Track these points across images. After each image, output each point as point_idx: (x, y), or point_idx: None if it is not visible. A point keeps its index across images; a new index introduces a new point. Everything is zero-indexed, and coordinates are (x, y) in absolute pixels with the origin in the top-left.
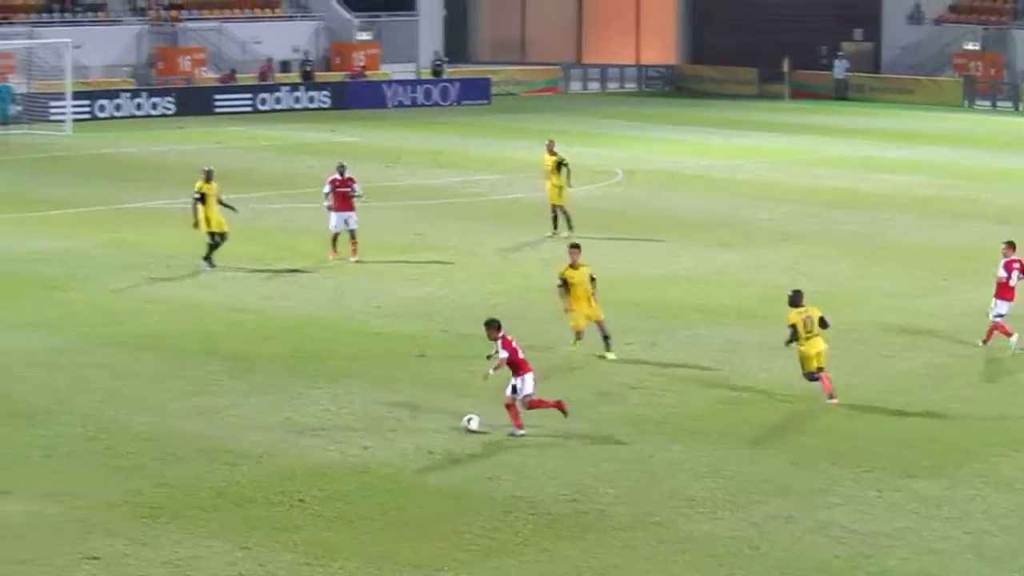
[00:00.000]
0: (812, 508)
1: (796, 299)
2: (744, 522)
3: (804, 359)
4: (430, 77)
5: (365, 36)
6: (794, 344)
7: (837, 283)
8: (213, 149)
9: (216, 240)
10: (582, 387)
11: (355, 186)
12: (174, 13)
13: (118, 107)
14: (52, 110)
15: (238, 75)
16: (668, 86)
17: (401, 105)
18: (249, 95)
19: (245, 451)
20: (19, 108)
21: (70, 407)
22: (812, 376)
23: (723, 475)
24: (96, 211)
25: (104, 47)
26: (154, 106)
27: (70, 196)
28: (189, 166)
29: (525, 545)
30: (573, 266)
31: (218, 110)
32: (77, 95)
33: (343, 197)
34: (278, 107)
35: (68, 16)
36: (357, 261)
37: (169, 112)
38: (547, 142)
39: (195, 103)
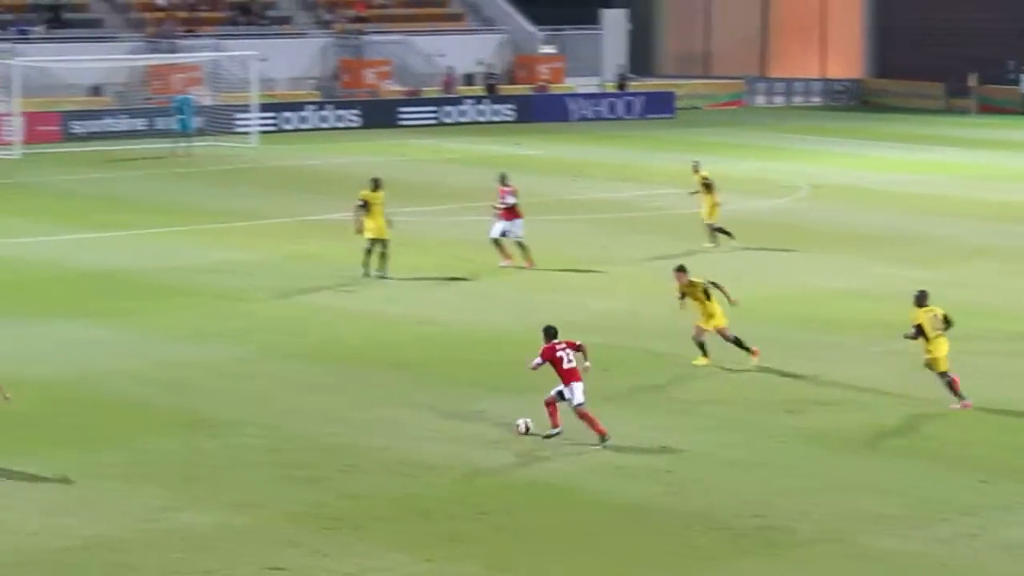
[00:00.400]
0: (999, 526)
1: (922, 299)
2: (929, 539)
3: (934, 360)
4: (614, 91)
5: (549, 49)
6: (922, 344)
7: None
8: (397, 162)
9: (374, 247)
10: (765, 401)
11: (507, 197)
12: (359, 26)
13: (303, 119)
14: (238, 122)
15: (422, 88)
16: (853, 100)
17: (585, 119)
18: (433, 108)
19: (427, 463)
20: (199, 120)
21: (254, 418)
22: (944, 376)
23: (908, 491)
24: (280, 223)
25: (290, 60)
26: (339, 118)
27: (255, 208)
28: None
29: (706, 561)
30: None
31: (402, 123)
32: (263, 107)
33: (509, 207)
34: (462, 120)
35: (254, 29)
36: (532, 268)
37: (354, 125)
38: (693, 162)
39: (380, 116)
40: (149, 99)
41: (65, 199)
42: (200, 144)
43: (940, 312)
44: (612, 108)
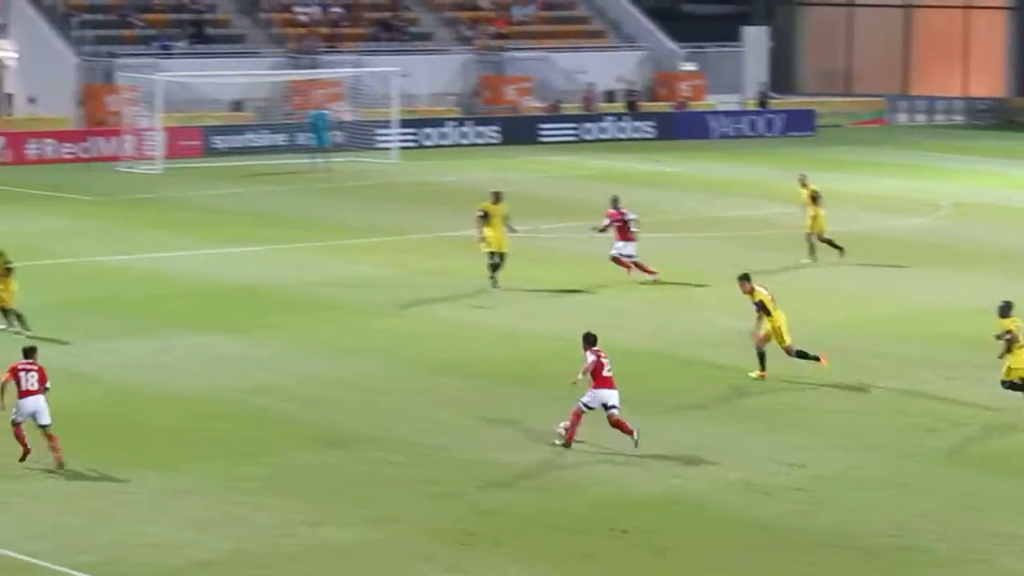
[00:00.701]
0: None
1: (1006, 310)
2: None
3: (1010, 369)
4: (755, 108)
5: (690, 67)
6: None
7: None
8: (537, 178)
9: (496, 260)
10: (901, 421)
11: (628, 216)
12: (500, 43)
13: (443, 136)
14: (378, 138)
15: (562, 105)
16: (996, 119)
17: (725, 136)
18: (573, 125)
19: (563, 480)
20: (337, 135)
21: (392, 433)
22: (1012, 385)
23: None
24: (420, 239)
25: (431, 76)
26: (479, 135)
27: (394, 223)
28: (515, 195)
29: None
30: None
31: (542, 139)
32: (403, 123)
33: (623, 229)
34: (602, 137)
35: (395, 45)
36: (656, 280)
37: (494, 141)
38: (799, 175)
39: (520, 132)
40: (290, 114)
41: (206, 214)
42: (340, 160)
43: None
44: (753, 126)
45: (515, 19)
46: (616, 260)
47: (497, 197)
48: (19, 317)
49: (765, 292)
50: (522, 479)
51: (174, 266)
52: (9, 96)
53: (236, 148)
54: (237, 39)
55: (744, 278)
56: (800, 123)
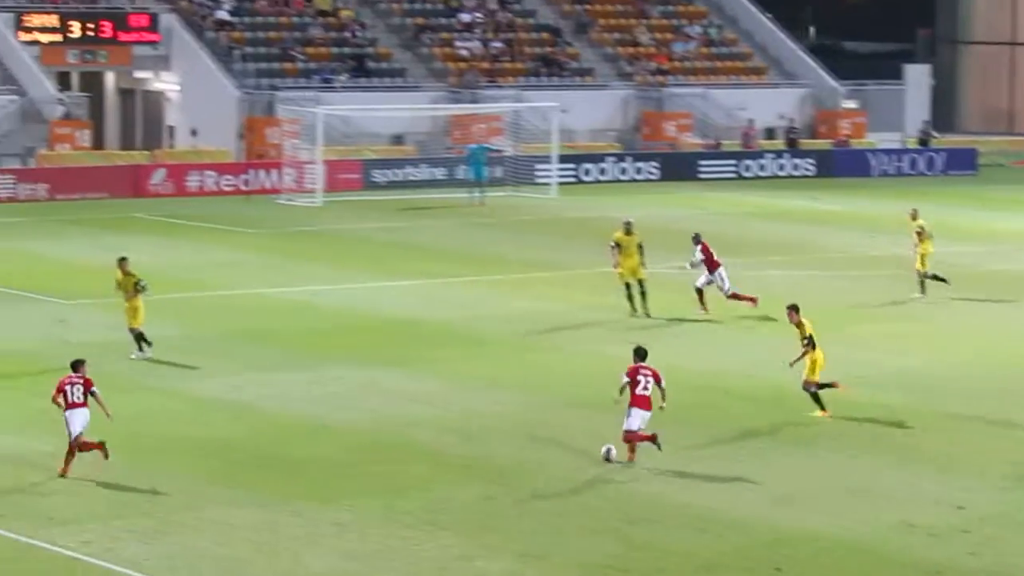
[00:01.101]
0: None
1: None
2: None
3: None
4: (916, 146)
5: (851, 104)
6: None
7: None
8: (696, 215)
9: (631, 289)
10: None
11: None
12: (661, 79)
13: (603, 171)
14: (538, 173)
15: (722, 141)
16: None
17: (885, 174)
18: (733, 161)
19: (719, 516)
20: (496, 170)
21: (548, 466)
22: None
23: None
24: (578, 274)
25: (590, 111)
26: (638, 171)
27: (553, 259)
28: (672, 231)
29: None
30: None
31: (702, 176)
32: (562, 158)
33: (711, 259)
34: (762, 174)
35: (556, 80)
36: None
37: (653, 177)
38: (910, 209)
39: (679, 168)
40: (450, 148)
41: (365, 246)
42: (499, 194)
43: None
44: (913, 164)
45: (676, 55)
46: (734, 295)
47: (628, 228)
48: (141, 337)
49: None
50: (681, 516)
51: (333, 299)
52: (171, 128)
53: (395, 182)
54: (398, 73)
55: (792, 308)
56: (961, 162)
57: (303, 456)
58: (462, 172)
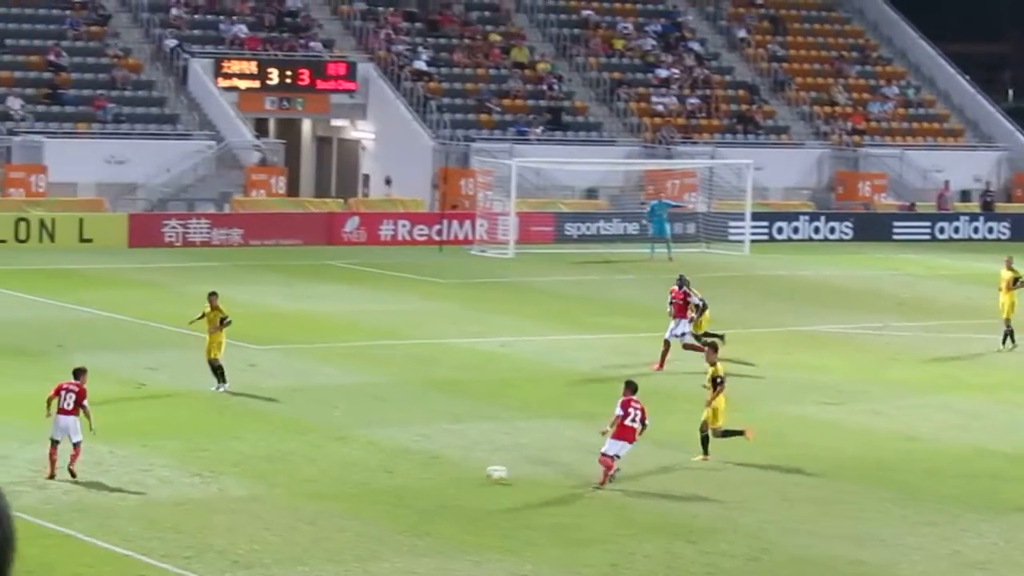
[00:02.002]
0: None
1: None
2: None
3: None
4: None
5: None
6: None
7: None
8: (889, 276)
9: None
10: None
11: (692, 298)
12: (857, 139)
13: (795, 229)
14: (731, 230)
15: (917, 203)
16: None
17: None
18: (927, 223)
19: None
20: (681, 225)
21: (735, 526)
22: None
23: None
24: (769, 332)
25: (785, 169)
26: (832, 230)
27: (743, 316)
28: (866, 291)
29: None
30: None
31: (896, 237)
32: (755, 216)
33: (680, 308)
34: (956, 236)
35: (751, 137)
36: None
37: (847, 237)
38: (1006, 258)
39: (873, 229)
40: (643, 203)
41: (555, 299)
42: (690, 250)
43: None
44: None
45: (872, 115)
46: (689, 345)
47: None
48: (220, 370)
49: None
50: None
51: (523, 350)
52: (365, 176)
53: (587, 235)
54: (593, 127)
55: (712, 347)
56: None
57: (487, 507)
58: (649, 228)
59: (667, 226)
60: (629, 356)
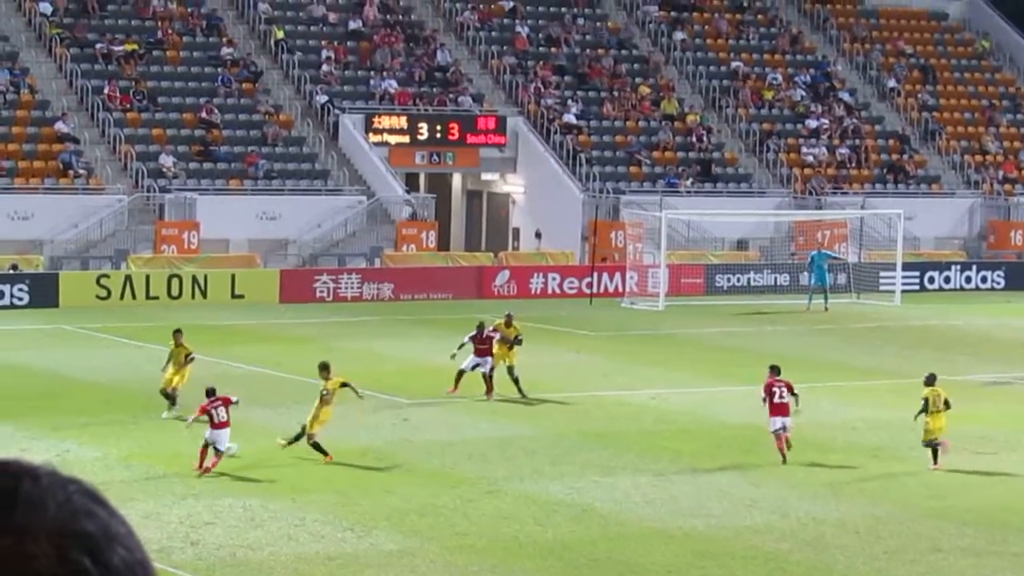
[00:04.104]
0: None
1: (930, 380)
2: None
3: (926, 430)
4: None
5: None
6: (923, 416)
7: None
8: None
9: None
10: None
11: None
12: (1008, 187)
13: (947, 279)
14: (882, 280)
15: None
16: None
17: None
18: None
19: None
20: (834, 276)
21: None
22: (929, 444)
23: None
24: (920, 383)
25: (936, 219)
26: (983, 279)
27: (896, 366)
28: (1018, 341)
29: None
30: None
31: None
32: (906, 266)
33: (484, 341)
34: None
35: (901, 187)
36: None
37: (998, 286)
38: None
39: None
40: (794, 255)
41: (706, 351)
42: (842, 301)
43: (943, 393)
44: None
45: None
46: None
47: None
48: (172, 396)
49: (331, 384)
50: None
51: (674, 402)
52: (515, 230)
53: (738, 287)
54: (743, 178)
55: (324, 367)
56: None
57: (638, 560)
58: (804, 278)
59: (827, 276)
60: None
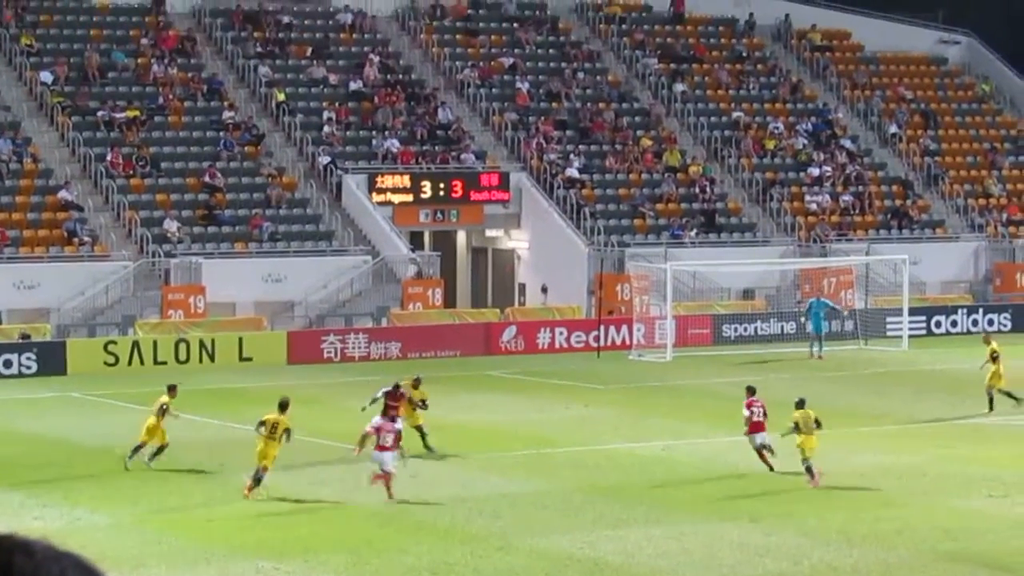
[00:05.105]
0: None
1: (800, 404)
2: None
3: (802, 451)
4: None
5: None
6: (795, 437)
7: None
8: None
9: None
10: None
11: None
12: (1013, 230)
13: (954, 323)
14: (889, 326)
15: None
16: None
17: None
18: None
19: None
20: (836, 324)
21: None
22: (805, 463)
23: None
24: (931, 427)
25: (941, 263)
26: (990, 322)
27: (904, 411)
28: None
29: None
30: None
31: None
32: (913, 311)
33: (396, 399)
34: None
35: (906, 232)
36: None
37: (1005, 329)
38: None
39: None
40: (800, 303)
41: (715, 401)
42: (849, 347)
43: (813, 415)
44: None
45: None
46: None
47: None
48: (161, 450)
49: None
50: None
51: (684, 453)
52: (521, 286)
53: (744, 336)
54: (748, 227)
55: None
56: None
57: None
58: (805, 326)
59: (823, 324)
60: (789, 455)
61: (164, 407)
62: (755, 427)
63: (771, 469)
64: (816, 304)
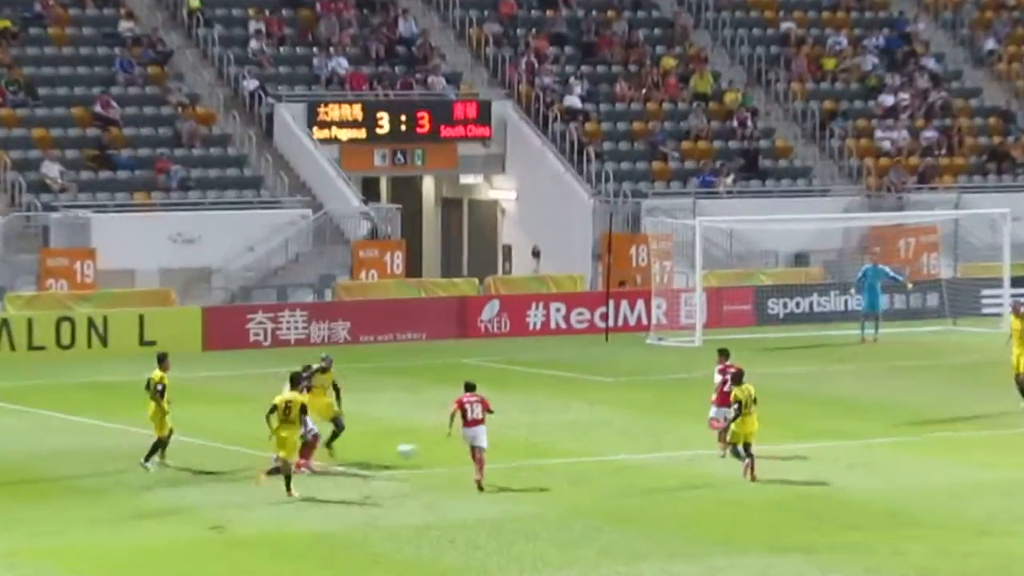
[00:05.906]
0: None
1: (739, 377)
2: None
3: (734, 433)
4: None
5: None
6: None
7: None
8: None
9: None
10: None
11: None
12: None
13: None
14: (984, 301)
15: None
16: None
17: None
18: None
19: None
20: (937, 297)
21: None
22: (736, 449)
23: None
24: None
25: None
26: None
27: (1003, 412)
28: None
29: None
30: None
31: None
32: (1015, 281)
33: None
34: None
35: (1007, 179)
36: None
37: None
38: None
39: None
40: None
41: (760, 399)
42: (934, 328)
43: (753, 391)
44: None
45: None
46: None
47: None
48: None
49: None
50: None
51: (718, 468)
52: (507, 249)
53: (796, 314)
54: (800, 173)
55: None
56: None
57: None
58: (884, 300)
59: (881, 299)
60: (858, 469)
61: (160, 387)
62: (724, 399)
63: (723, 456)
64: (872, 272)
